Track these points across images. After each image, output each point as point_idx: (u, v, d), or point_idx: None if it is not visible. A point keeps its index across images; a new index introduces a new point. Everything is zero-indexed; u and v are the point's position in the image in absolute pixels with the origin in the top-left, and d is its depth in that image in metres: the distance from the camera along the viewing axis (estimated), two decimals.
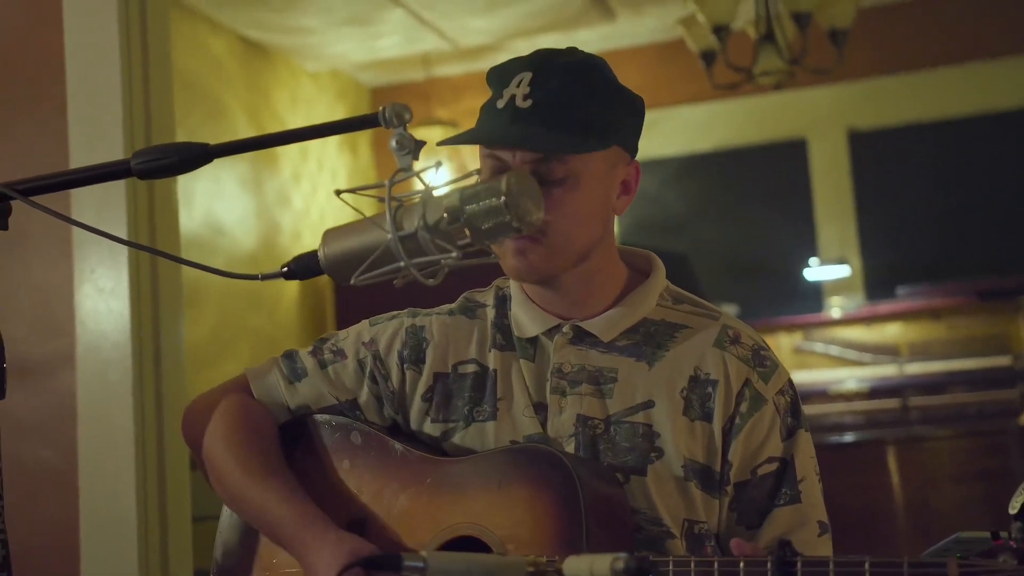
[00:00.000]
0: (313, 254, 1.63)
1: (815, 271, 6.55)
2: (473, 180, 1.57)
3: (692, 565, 1.55)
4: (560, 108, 1.74)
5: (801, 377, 6.26)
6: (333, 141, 6.93)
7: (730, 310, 6.43)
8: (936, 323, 6.19)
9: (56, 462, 2.94)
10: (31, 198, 1.68)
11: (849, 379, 6.21)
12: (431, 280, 1.55)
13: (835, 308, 6.47)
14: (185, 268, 3.07)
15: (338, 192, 1.61)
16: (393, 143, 1.58)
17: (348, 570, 1.43)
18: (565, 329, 1.85)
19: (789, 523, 1.80)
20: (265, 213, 6.32)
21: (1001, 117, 6.54)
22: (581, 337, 1.85)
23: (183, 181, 5.07)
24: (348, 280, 1.59)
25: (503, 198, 1.53)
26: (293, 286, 6.55)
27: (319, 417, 1.96)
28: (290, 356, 2.00)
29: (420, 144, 1.59)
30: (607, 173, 1.82)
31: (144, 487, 2.91)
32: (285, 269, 1.64)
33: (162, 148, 1.66)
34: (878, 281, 6.58)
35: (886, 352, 6.20)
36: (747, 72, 5.12)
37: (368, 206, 1.60)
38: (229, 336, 5.90)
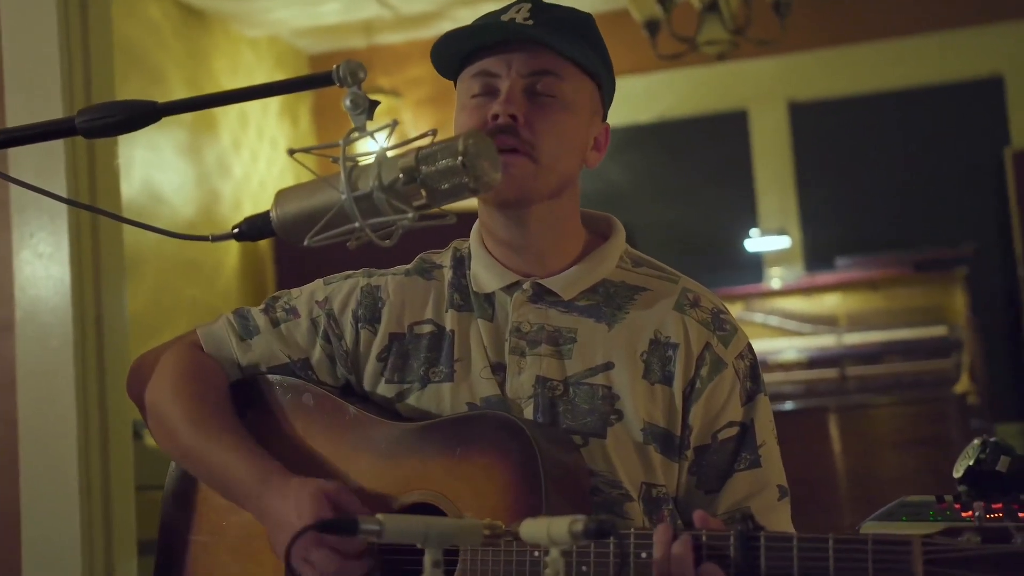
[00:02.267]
0: (265, 215, 1.60)
1: (755, 242, 6.58)
2: (428, 140, 1.55)
3: (655, 537, 1.53)
4: (561, 30, 1.77)
5: None
6: (274, 110, 6.86)
7: None
8: (874, 294, 6.25)
9: None
10: None
11: (788, 349, 6.25)
12: (386, 241, 1.53)
13: (775, 279, 6.51)
14: (125, 233, 3.02)
15: (291, 151, 1.58)
16: (347, 102, 1.56)
17: (303, 535, 1.40)
18: (525, 286, 1.83)
19: (749, 488, 1.80)
20: (204, 181, 6.25)
21: (940, 90, 6.59)
22: (540, 295, 1.83)
23: (120, 148, 4.99)
24: (301, 241, 1.56)
25: (460, 158, 1.50)
26: (233, 255, 6.48)
27: (271, 378, 1.92)
28: (242, 314, 1.96)
29: (375, 104, 1.57)
30: (590, 115, 1.84)
31: (86, 456, 2.86)
32: (236, 230, 1.61)
33: (109, 106, 1.63)
34: (818, 252, 6.63)
35: (825, 322, 6.25)
36: (691, 42, 5.11)
37: (309, 175, 1.57)
38: (168, 306, 5.83)
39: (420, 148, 1.54)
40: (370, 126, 1.55)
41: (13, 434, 2.87)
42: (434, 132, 1.58)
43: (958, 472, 2.27)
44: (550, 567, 1.35)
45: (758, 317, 6.34)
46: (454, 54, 1.82)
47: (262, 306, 1.96)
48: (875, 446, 3.79)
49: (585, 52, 1.80)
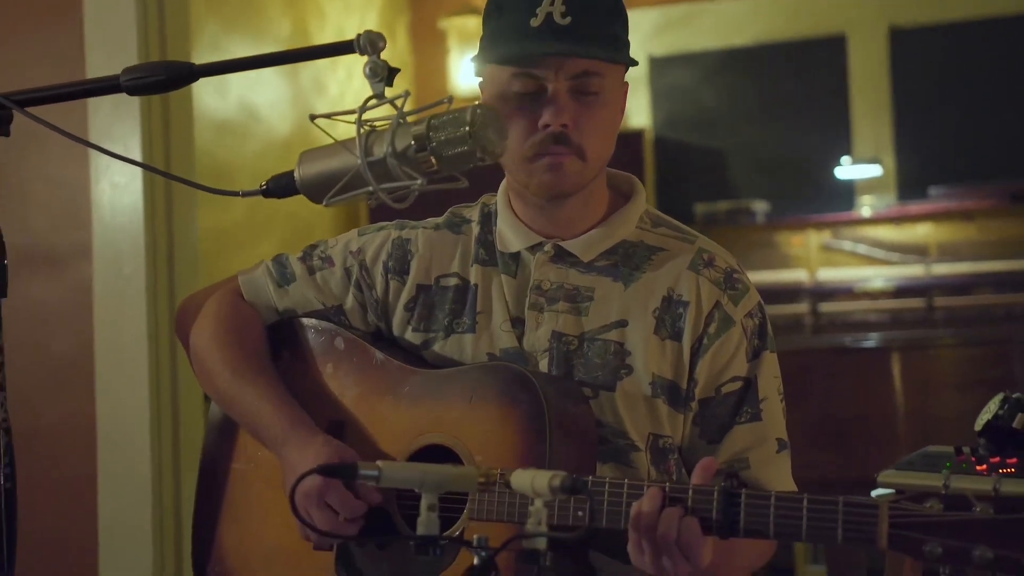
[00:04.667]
0: (290, 174, 1.72)
1: (846, 170, 6.54)
2: (444, 108, 1.64)
3: (645, 489, 1.62)
4: (597, 24, 1.83)
5: (828, 275, 6.30)
6: (370, 26, 6.92)
7: (762, 207, 6.46)
8: (967, 224, 6.19)
9: (74, 348, 3.06)
10: (27, 109, 1.77)
11: (876, 278, 6.24)
12: (400, 204, 1.63)
13: (865, 207, 6.47)
14: (212, 151, 3.15)
15: (312, 117, 1.68)
16: (366, 70, 1.63)
17: (305, 478, 1.52)
18: (547, 247, 1.92)
19: (748, 440, 1.88)
20: (300, 99, 6.36)
21: None
22: (562, 256, 1.92)
23: None
24: (321, 201, 1.67)
25: (467, 128, 1.59)
26: None
27: (306, 321, 2.04)
28: (280, 261, 2.08)
29: (394, 71, 1.65)
30: (621, 92, 1.91)
31: (156, 372, 3.03)
32: (264, 187, 1.73)
33: (150, 66, 1.74)
34: (911, 181, 6.56)
35: (914, 252, 6.22)
36: None
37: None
38: (263, 219, 5.98)
39: (433, 117, 1.62)
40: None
41: (90, 351, 3.04)
42: (450, 99, 1.66)
43: (978, 426, 2.33)
44: (533, 516, 1.45)
45: (846, 245, 6.33)
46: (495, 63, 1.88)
47: (300, 254, 2.08)
48: (936, 386, 3.82)
49: (621, 42, 1.87)
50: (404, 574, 1.81)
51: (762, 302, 1.94)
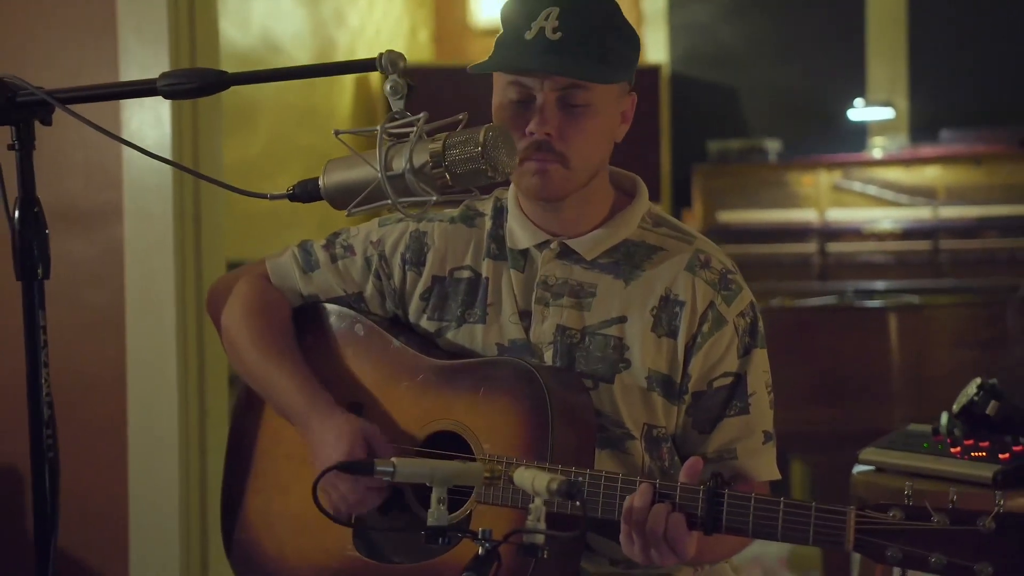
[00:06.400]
0: (315, 181, 1.84)
1: (859, 111, 6.60)
2: (460, 123, 1.76)
3: (637, 484, 1.78)
4: (587, 41, 1.92)
5: (837, 215, 6.40)
6: None
7: (774, 146, 6.54)
8: (976, 169, 6.26)
9: (106, 304, 3.21)
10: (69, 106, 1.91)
11: (884, 219, 6.33)
12: (416, 211, 1.77)
13: (877, 148, 6.55)
14: (233, 93, 3.26)
15: (337, 133, 1.80)
16: (387, 88, 1.76)
17: (326, 475, 1.66)
18: (553, 245, 2.05)
19: (737, 432, 2.02)
20: (320, 30, 6.43)
21: None
22: (567, 253, 2.05)
23: None
24: (344, 209, 1.80)
25: (479, 148, 1.72)
26: (347, 100, 6.70)
27: (328, 307, 2.18)
28: (305, 248, 2.21)
29: (413, 88, 1.77)
30: (616, 103, 2.01)
31: (184, 326, 3.18)
32: (291, 191, 1.86)
33: (185, 73, 1.86)
34: (923, 124, 6.61)
35: (922, 194, 6.30)
36: None
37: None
38: (282, 153, 6.07)
39: (450, 134, 1.75)
40: None
41: (121, 307, 3.20)
42: (464, 116, 1.78)
43: (956, 408, 2.47)
44: (532, 513, 1.60)
45: (856, 186, 6.40)
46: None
47: (323, 242, 2.20)
48: (931, 345, 3.95)
49: (614, 55, 1.95)
50: (415, 547, 1.96)
51: (755, 301, 2.07)
